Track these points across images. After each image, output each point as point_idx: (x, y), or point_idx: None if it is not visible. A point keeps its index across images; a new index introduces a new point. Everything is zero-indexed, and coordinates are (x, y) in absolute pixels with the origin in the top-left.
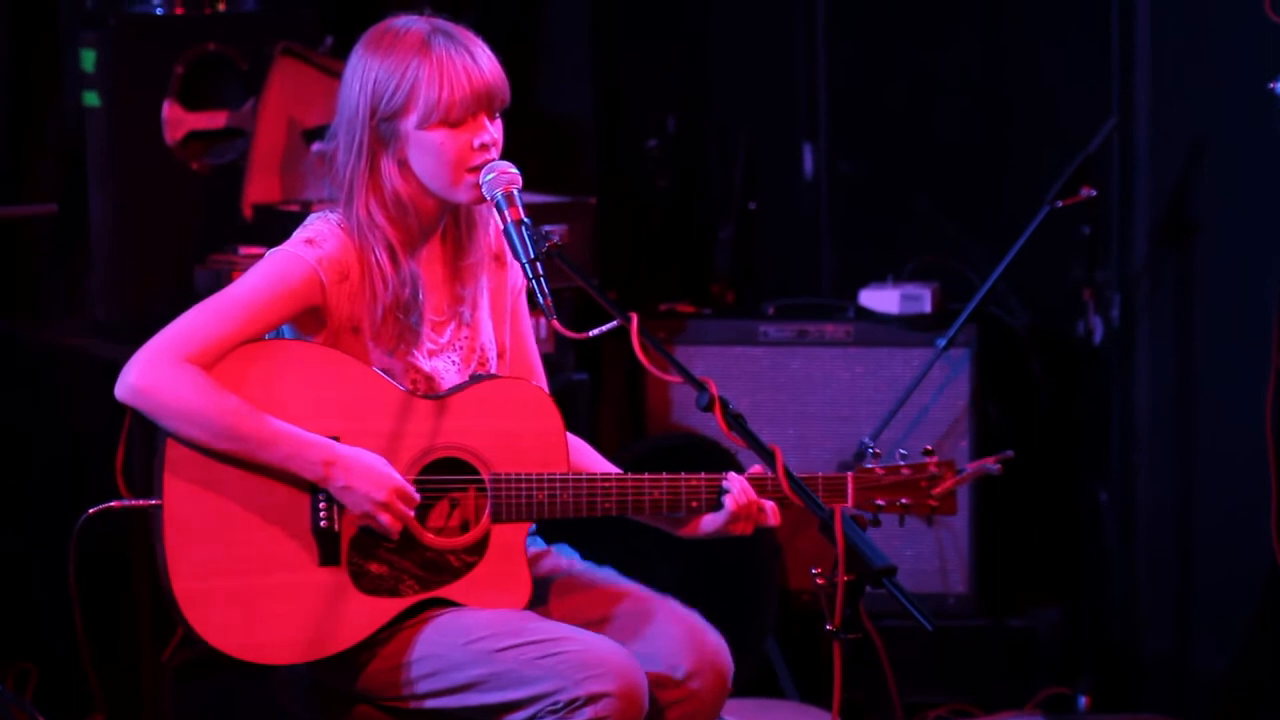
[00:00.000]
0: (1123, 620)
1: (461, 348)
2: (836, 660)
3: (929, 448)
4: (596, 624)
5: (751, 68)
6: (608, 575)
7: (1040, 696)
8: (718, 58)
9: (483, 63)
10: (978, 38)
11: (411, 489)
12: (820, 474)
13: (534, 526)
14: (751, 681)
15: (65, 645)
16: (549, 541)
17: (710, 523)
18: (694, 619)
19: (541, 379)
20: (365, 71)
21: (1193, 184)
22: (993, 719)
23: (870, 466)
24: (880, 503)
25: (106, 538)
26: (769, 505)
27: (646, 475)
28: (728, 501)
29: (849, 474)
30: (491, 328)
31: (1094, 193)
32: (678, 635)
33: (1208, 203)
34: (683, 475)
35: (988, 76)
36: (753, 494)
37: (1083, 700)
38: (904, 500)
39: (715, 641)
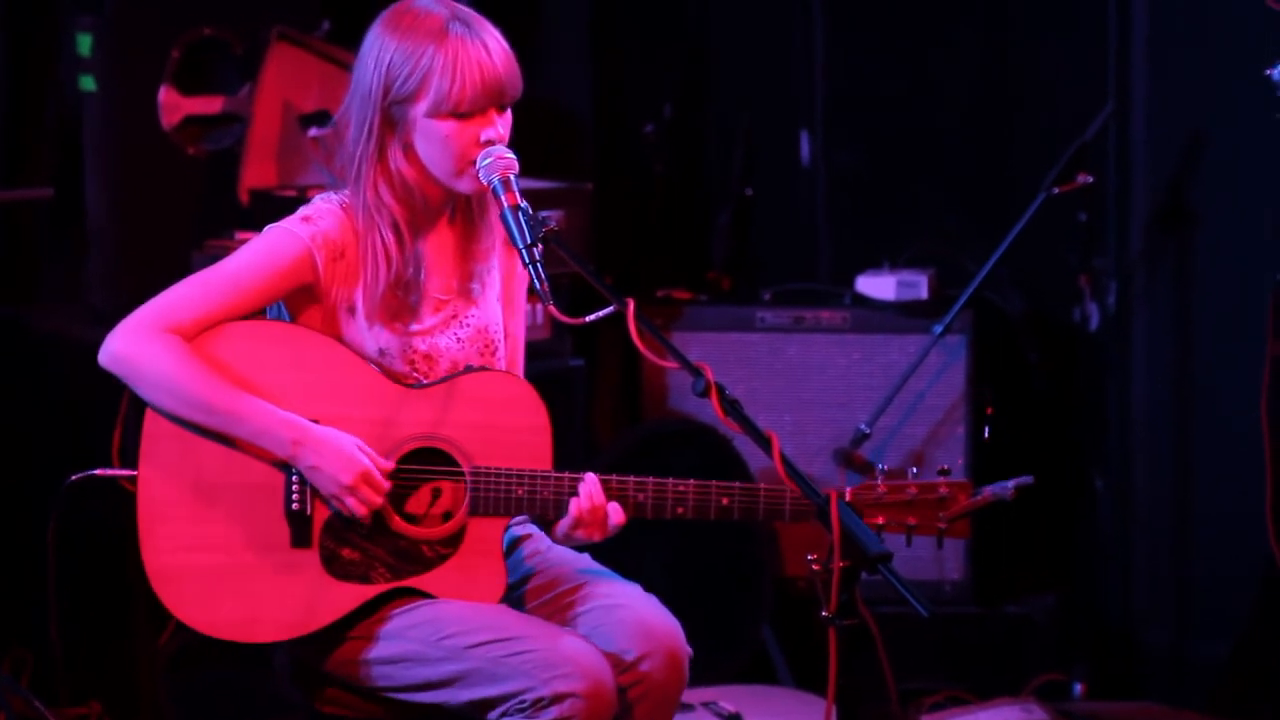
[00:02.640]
0: (1119, 608)
1: (468, 326)
2: (832, 646)
3: (945, 467)
4: (560, 611)
5: (749, 54)
6: (577, 561)
7: (1036, 683)
8: (716, 44)
9: (496, 56)
10: (975, 25)
11: (380, 475)
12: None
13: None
14: (747, 668)
15: (62, 632)
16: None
17: (560, 527)
18: (645, 603)
19: (519, 373)
20: (381, 52)
21: (1190, 171)
22: (988, 706)
23: (874, 482)
24: (880, 521)
25: (102, 525)
26: (613, 507)
27: (632, 478)
28: (570, 505)
29: (848, 489)
30: (499, 310)
31: (1091, 179)
32: (626, 619)
33: (1205, 189)
34: (670, 481)
35: (985, 64)
36: (600, 498)
37: (1078, 687)
38: (910, 520)
39: (665, 625)
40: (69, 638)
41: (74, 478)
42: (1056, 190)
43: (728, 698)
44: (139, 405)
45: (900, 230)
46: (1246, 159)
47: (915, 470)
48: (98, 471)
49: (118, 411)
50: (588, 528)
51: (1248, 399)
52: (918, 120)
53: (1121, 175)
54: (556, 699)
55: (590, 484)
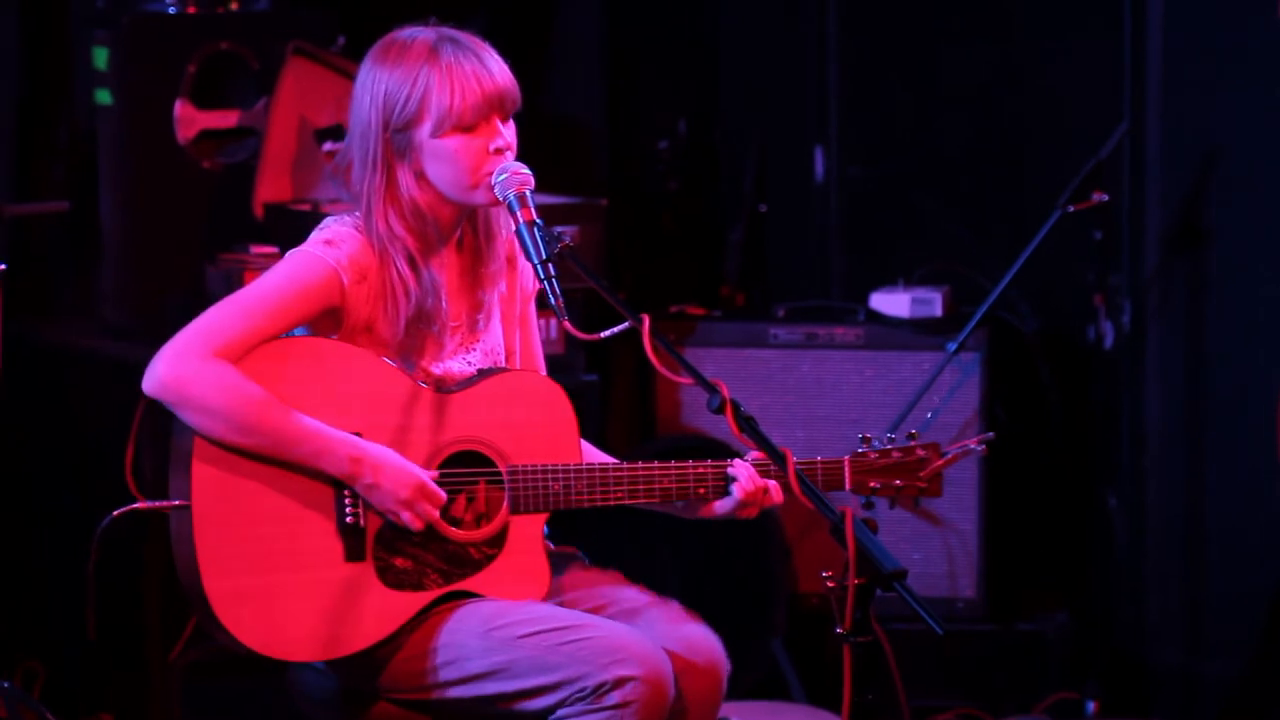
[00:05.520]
0: (1131, 626)
1: (476, 350)
2: (846, 664)
3: (913, 432)
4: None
5: (763, 70)
6: (610, 575)
7: (1048, 701)
8: (729, 60)
9: (492, 67)
10: (989, 42)
11: (435, 486)
12: (819, 459)
13: (546, 530)
14: (759, 684)
15: (73, 644)
16: (558, 544)
17: (720, 507)
18: (686, 617)
19: None
20: (375, 84)
21: (1204, 189)
22: None
23: (864, 451)
24: (875, 485)
25: (115, 537)
26: (772, 485)
27: (655, 464)
28: (735, 490)
29: (845, 458)
30: (502, 331)
31: (1105, 197)
32: (669, 631)
33: (1219, 208)
34: (690, 463)
35: (999, 80)
36: (759, 480)
37: (1091, 706)
38: (897, 482)
39: (706, 639)
40: (81, 650)
41: (116, 513)
42: (1071, 208)
43: (740, 714)
44: (153, 418)
45: (914, 247)
46: (1261, 177)
47: (891, 436)
48: (140, 505)
49: (131, 424)
50: (751, 508)
51: (1262, 417)
52: (932, 137)
53: (1136, 193)
54: (618, 683)
55: (745, 468)
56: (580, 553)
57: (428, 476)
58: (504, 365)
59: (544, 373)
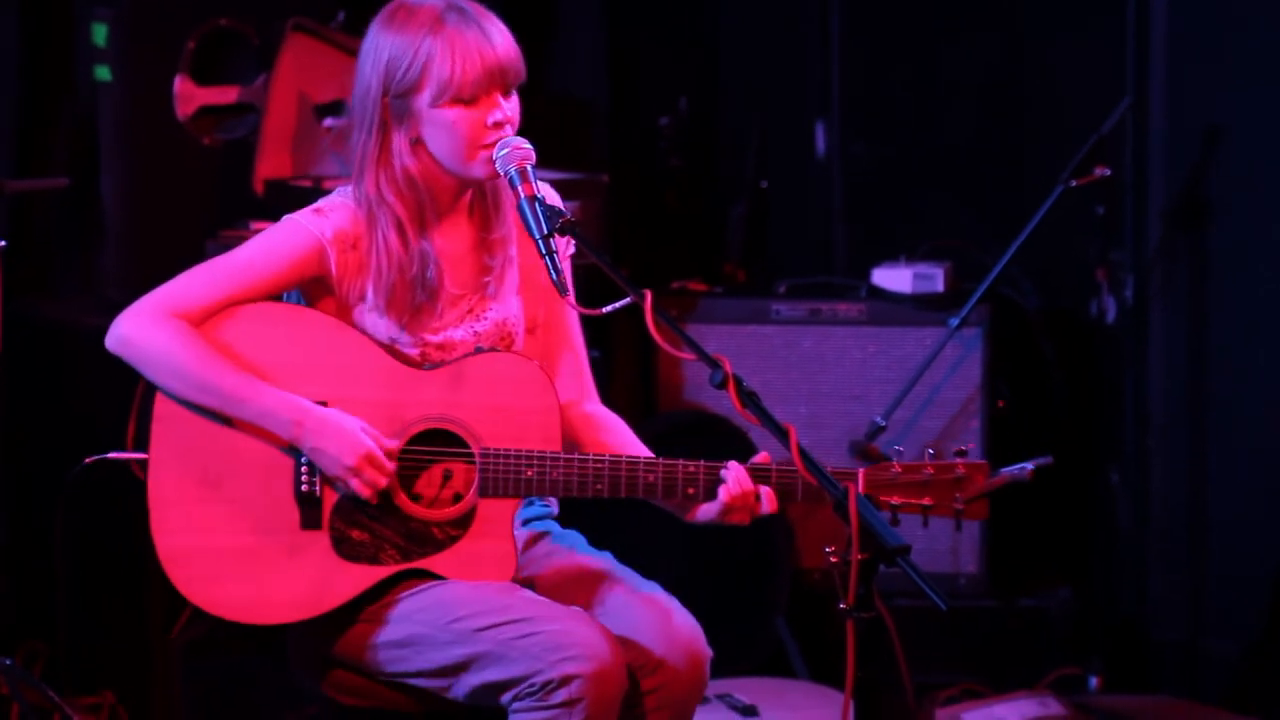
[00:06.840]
0: (1134, 602)
1: (486, 320)
2: (849, 639)
3: (962, 448)
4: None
5: (765, 47)
6: (600, 562)
7: (1051, 677)
8: (731, 37)
9: (496, 39)
10: (993, 16)
11: (382, 456)
12: (830, 468)
13: (554, 509)
14: (763, 661)
15: (76, 622)
16: (564, 524)
17: (705, 512)
18: (667, 605)
19: (589, 384)
20: (379, 49)
21: (1207, 164)
22: (1004, 699)
23: (888, 463)
24: (895, 502)
25: (115, 515)
26: (765, 492)
27: (642, 460)
28: (721, 492)
29: (860, 470)
30: (519, 303)
31: (1108, 172)
32: (651, 621)
33: (1222, 182)
34: (680, 462)
35: (1002, 56)
36: (749, 484)
37: (1094, 681)
38: (926, 501)
39: (687, 628)
40: (82, 627)
41: (88, 460)
42: (1074, 183)
43: (743, 690)
44: (153, 396)
45: (917, 223)
46: (1264, 152)
47: (932, 452)
48: (111, 455)
49: (132, 402)
50: (738, 513)
51: (1265, 392)
52: (934, 112)
53: (1139, 168)
54: (564, 681)
55: (736, 471)
56: (580, 537)
57: (376, 446)
58: (519, 344)
59: (581, 349)
